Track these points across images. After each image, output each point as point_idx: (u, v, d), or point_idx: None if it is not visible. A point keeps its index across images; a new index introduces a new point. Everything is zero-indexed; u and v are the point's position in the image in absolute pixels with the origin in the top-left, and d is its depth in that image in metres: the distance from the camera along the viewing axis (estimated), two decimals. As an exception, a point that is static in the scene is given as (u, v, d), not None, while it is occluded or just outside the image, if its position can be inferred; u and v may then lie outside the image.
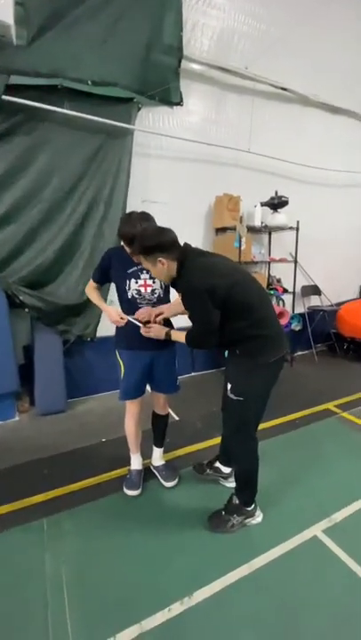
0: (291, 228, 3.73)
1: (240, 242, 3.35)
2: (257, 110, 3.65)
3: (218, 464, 2.00)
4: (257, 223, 3.57)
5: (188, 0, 3.05)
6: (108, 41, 2.69)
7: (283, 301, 4.11)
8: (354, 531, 1.64)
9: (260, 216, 3.58)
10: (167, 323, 1.79)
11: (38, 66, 2.48)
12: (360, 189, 4.78)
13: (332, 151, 4.34)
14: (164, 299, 1.80)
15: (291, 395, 3.14)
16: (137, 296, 1.72)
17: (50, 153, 2.70)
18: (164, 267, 1.46)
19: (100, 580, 1.42)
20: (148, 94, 2.98)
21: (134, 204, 2.99)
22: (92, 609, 1.30)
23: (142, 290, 1.72)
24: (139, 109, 3.02)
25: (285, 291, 3.98)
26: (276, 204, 3.61)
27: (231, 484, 1.87)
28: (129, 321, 1.70)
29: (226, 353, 1.61)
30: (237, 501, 1.67)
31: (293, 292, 4.00)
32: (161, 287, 1.76)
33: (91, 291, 1.88)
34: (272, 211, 3.66)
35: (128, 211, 2.93)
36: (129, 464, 2.00)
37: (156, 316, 1.70)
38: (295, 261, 3.93)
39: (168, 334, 1.64)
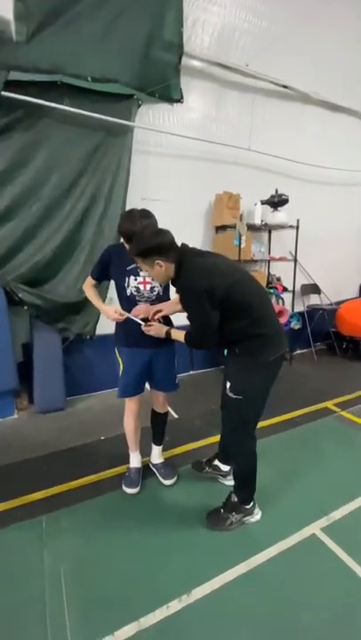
0: (291, 226, 3.72)
1: (240, 240, 3.35)
2: (257, 108, 3.64)
3: (217, 462, 2.00)
4: (257, 221, 3.57)
5: (189, -4, 3.03)
6: (108, 37, 2.67)
7: (282, 300, 4.10)
8: (352, 529, 1.65)
9: (260, 214, 3.58)
10: (167, 321, 1.79)
11: (38, 62, 2.46)
12: (360, 188, 4.77)
13: (332, 149, 4.33)
14: (164, 296, 1.80)
15: (290, 393, 3.14)
16: (136, 293, 1.72)
17: (49, 150, 2.68)
18: (162, 269, 1.46)
19: (99, 578, 1.42)
20: (149, 91, 2.96)
21: (134, 202, 2.98)
22: (90, 606, 1.30)
23: (141, 287, 1.72)
24: (139, 106, 3.00)
25: (285, 289, 3.98)
26: (277, 202, 3.60)
27: (230, 481, 1.87)
28: (129, 318, 1.69)
29: (225, 351, 1.61)
30: (236, 499, 1.68)
31: (293, 291, 4.00)
32: (160, 285, 1.76)
33: (88, 288, 1.87)
34: (272, 209, 3.65)
35: (128, 208, 2.95)
36: (128, 462, 2.00)
37: (155, 313, 1.70)
38: (295, 260, 3.92)
39: (168, 333, 1.64)
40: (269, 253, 4.06)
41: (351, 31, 4.08)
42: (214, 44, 3.28)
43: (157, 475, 2.00)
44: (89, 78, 2.65)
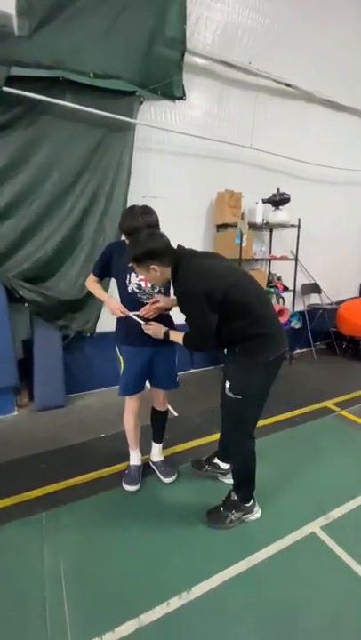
0: (292, 225, 3.71)
1: (241, 239, 3.34)
2: (260, 106, 3.63)
3: (216, 460, 2.00)
4: (258, 220, 3.56)
5: (192, -7, 3.02)
6: (111, 33, 2.66)
7: (283, 299, 4.10)
8: (351, 528, 1.65)
9: (261, 213, 3.57)
10: (169, 322, 1.78)
11: (40, 57, 2.45)
12: (362, 188, 4.77)
13: (334, 149, 4.32)
14: (165, 293, 1.79)
15: (290, 392, 3.14)
16: (137, 290, 1.71)
17: (50, 146, 2.67)
18: (158, 273, 1.46)
19: (99, 574, 1.42)
20: (151, 88, 2.95)
21: (135, 200, 2.98)
22: (90, 603, 1.30)
23: (142, 284, 1.71)
24: (141, 103, 2.99)
25: (286, 288, 3.98)
26: (278, 201, 3.59)
27: (230, 480, 1.87)
28: (130, 317, 1.69)
29: (225, 350, 1.61)
30: (236, 497, 1.68)
31: (294, 290, 4.00)
32: None
33: (91, 283, 1.87)
34: (273, 208, 3.64)
35: (129, 205, 2.94)
36: (128, 459, 2.00)
37: (152, 302, 1.68)
38: (296, 259, 3.92)
39: (167, 334, 1.64)
40: (270, 252, 4.05)
41: (353, 30, 4.06)
42: (217, 42, 3.27)
43: (157, 472, 2.01)
44: (91, 74, 2.65)
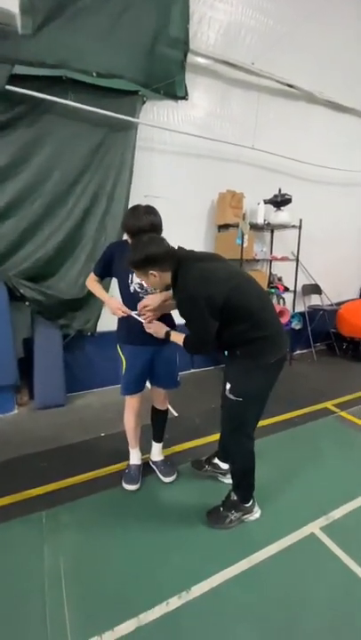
0: (293, 226, 3.71)
1: (242, 239, 3.34)
2: (262, 106, 3.63)
3: (216, 460, 2.00)
4: (260, 221, 3.56)
5: (195, -8, 3.01)
6: (114, 32, 2.66)
7: (283, 300, 4.10)
8: (351, 529, 1.65)
9: (262, 213, 3.57)
10: (170, 322, 1.78)
11: (43, 56, 2.44)
12: (363, 189, 4.77)
13: (335, 150, 4.32)
14: (168, 293, 1.79)
15: (289, 393, 3.14)
16: (139, 290, 1.71)
17: (53, 145, 2.67)
18: (157, 278, 1.45)
19: (99, 574, 1.42)
20: (153, 87, 2.95)
21: (137, 199, 2.95)
22: (90, 602, 1.31)
23: (144, 283, 1.71)
24: (143, 102, 2.99)
25: (286, 289, 3.98)
26: (280, 201, 3.59)
27: (229, 480, 1.86)
28: (131, 316, 1.69)
29: (225, 352, 1.61)
30: (235, 497, 1.68)
31: (294, 291, 4.00)
32: None
33: (92, 283, 1.87)
34: (275, 208, 3.64)
35: (131, 205, 2.93)
36: (128, 459, 2.01)
37: (142, 307, 1.64)
38: (297, 260, 3.92)
39: (168, 334, 1.63)
40: (271, 253, 4.05)
41: (354, 30, 4.05)
42: (220, 42, 3.27)
43: (157, 472, 2.01)
44: (94, 74, 2.64)
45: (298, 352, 4.51)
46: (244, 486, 1.67)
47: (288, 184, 3.78)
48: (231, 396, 1.53)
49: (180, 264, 1.42)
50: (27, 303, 2.69)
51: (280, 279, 4.08)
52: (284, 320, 3.62)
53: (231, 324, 1.42)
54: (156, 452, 2.07)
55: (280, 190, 3.61)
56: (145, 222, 1.59)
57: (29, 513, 1.73)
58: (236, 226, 3.40)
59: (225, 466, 1.97)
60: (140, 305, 1.65)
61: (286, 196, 3.57)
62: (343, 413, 2.82)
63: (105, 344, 3.06)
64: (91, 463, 2.12)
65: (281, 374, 1.57)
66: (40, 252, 2.73)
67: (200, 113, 3.39)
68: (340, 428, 2.63)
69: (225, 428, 1.87)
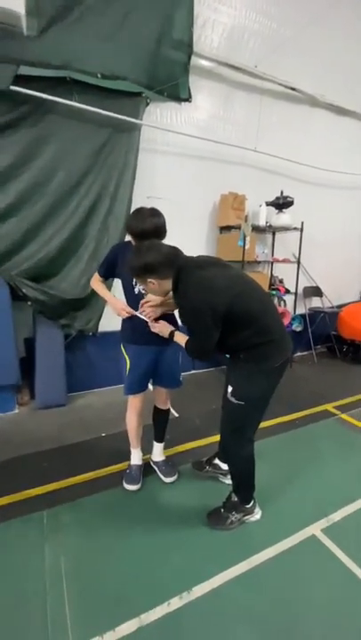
0: (295, 228, 3.73)
1: (244, 241, 3.35)
2: (265, 109, 3.64)
3: (217, 461, 2.00)
4: (262, 223, 3.57)
5: (200, -5, 3.03)
6: (119, 34, 2.67)
7: (284, 302, 4.11)
8: (352, 531, 1.65)
9: (264, 216, 3.58)
10: (172, 322, 1.78)
11: (48, 57, 2.45)
12: (364, 192, 4.78)
13: (337, 153, 4.33)
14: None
15: (290, 395, 3.14)
16: (144, 292, 1.71)
17: (56, 145, 2.68)
18: (156, 286, 1.45)
19: (99, 574, 1.42)
20: (157, 89, 2.96)
21: (139, 200, 2.99)
22: (91, 602, 1.31)
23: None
24: (147, 104, 3.00)
25: (287, 291, 3.99)
26: (282, 204, 3.60)
27: (230, 480, 1.86)
28: (136, 316, 1.70)
29: (228, 354, 1.60)
30: (236, 499, 1.68)
31: (295, 293, 4.01)
32: None
33: (96, 283, 1.88)
34: (277, 211, 3.65)
35: (133, 206, 2.94)
36: (128, 459, 2.01)
37: (144, 303, 1.66)
38: (298, 262, 3.93)
39: (172, 334, 1.63)
40: (273, 255, 4.06)
41: (356, 33, 4.07)
42: (223, 45, 3.28)
43: (158, 472, 2.01)
44: (98, 75, 2.65)
45: (298, 354, 4.51)
46: (245, 488, 1.67)
47: (290, 186, 3.80)
48: (233, 400, 1.52)
49: (181, 271, 1.40)
50: (29, 303, 2.69)
51: (281, 281, 4.09)
52: (284, 322, 3.62)
53: (235, 331, 1.41)
54: (158, 453, 2.07)
55: (282, 193, 3.63)
56: (149, 225, 1.59)
57: (30, 512, 1.73)
58: (238, 227, 3.41)
59: (225, 466, 1.97)
60: (141, 302, 1.66)
61: (288, 199, 3.58)
62: (344, 416, 2.82)
63: (106, 344, 3.07)
64: (92, 463, 2.12)
65: (282, 376, 1.58)
66: (43, 252, 2.73)
67: (203, 115, 3.40)
68: (341, 430, 2.63)
69: (225, 429, 1.85)
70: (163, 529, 1.65)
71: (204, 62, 3.22)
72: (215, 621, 1.25)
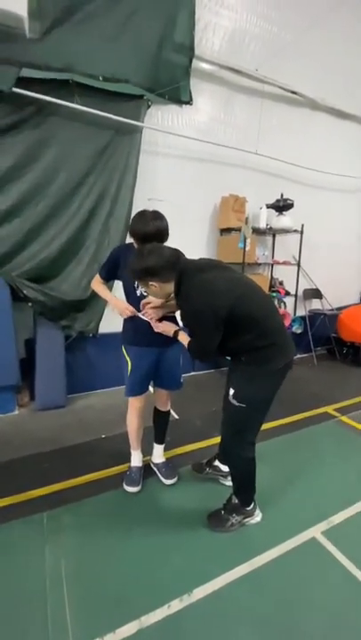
0: (295, 230, 3.74)
1: (245, 243, 3.36)
2: (265, 112, 3.66)
3: (217, 463, 2.00)
4: (262, 225, 3.58)
5: (201, -1, 3.05)
6: (121, 37, 2.68)
7: (284, 304, 4.11)
8: (352, 533, 1.65)
9: (265, 218, 3.59)
10: (173, 322, 1.79)
11: (50, 59, 2.46)
12: (364, 195, 4.80)
13: (338, 156, 4.35)
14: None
15: (290, 397, 3.14)
16: (146, 294, 1.72)
17: (58, 147, 2.69)
18: (157, 289, 1.45)
19: (100, 575, 1.42)
20: (158, 92, 2.97)
21: (140, 202, 3.00)
22: (91, 603, 1.30)
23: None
24: (148, 107, 3.01)
25: (287, 293, 4.00)
26: (282, 206, 3.61)
27: (230, 482, 1.87)
28: (138, 317, 1.70)
29: (229, 357, 1.60)
30: (236, 501, 1.68)
31: (295, 295, 4.02)
32: None
33: (97, 285, 1.88)
34: (277, 213, 3.66)
35: (134, 208, 2.95)
36: (129, 460, 2.01)
37: (145, 305, 1.67)
38: (298, 264, 3.94)
39: (176, 333, 1.64)
40: (273, 257, 4.07)
41: (355, 37, 4.10)
42: (225, 48, 3.30)
43: (158, 474, 2.01)
44: (100, 77, 2.66)
45: (298, 356, 4.51)
46: (245, 490, 1.67)
47: (290, 189, 3.81)
48: (235, 402, 1.51)
49: (183, 274, 1.40)
50: (29, 304, 2.70)
51: (281, 283, 4.10)
52: (285, 324, 3.63)
53: (237, 334, 1.41)
54: (158, 454, 2.07)
55: (282, 195, 3.64)
56: (151, 227, 1.60)
57: (30, 514, 1.72)
58: (239, 230, 3.42)
59: (226, 468, 1.96)
60: (143, 302, 1.67)
61: (288, 201, 3.60)
62: (343, 418, 2.82)
63: (106, 346, 3.08)
64: (92, 465, 2.12)
65: (282, 378, 1.58)
66: (44, 253, 2.74)
67: (204, 118, 3.42)
68: (341, 432, 2.63)
69: (226, 432, 1.84)
70: (163, 531, 1.65)
71: (205, 65, 3.24)
72: (216, 623, 1.25)
